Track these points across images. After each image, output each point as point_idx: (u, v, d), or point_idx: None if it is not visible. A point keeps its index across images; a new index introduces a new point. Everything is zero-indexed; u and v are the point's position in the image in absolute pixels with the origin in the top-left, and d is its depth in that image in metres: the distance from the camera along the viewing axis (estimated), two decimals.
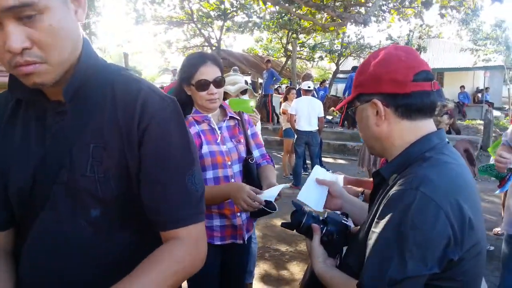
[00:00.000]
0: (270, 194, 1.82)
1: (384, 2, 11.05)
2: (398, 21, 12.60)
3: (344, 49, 17.97)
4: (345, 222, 1.28)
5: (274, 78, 12.82)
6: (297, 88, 9.11)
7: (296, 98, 7.43)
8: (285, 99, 7.93)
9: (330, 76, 21.09)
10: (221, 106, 2.09)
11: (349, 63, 20.26)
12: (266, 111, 12.81)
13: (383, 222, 0.96)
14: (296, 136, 7.10)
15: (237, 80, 3.48)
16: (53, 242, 0.96)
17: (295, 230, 1.34)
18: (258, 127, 3.81)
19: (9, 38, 0.78)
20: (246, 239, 2.05)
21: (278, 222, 5.21)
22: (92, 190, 0.94)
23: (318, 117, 6.91)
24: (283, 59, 19.98)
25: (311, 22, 13.36)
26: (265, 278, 3.74)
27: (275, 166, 2.29)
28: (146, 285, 0.89)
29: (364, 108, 1.13)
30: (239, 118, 2.12)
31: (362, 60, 17.51)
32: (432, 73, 1.10)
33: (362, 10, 11.26)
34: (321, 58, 20.70)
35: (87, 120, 0.96)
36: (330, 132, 11.84)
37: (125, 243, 1.01)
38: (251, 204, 1.72)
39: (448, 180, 0.97)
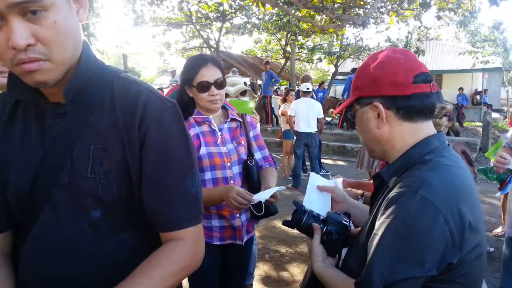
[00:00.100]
0: (262, 196, 1.84)
1: (382, 4, 11.07)
2: (396, 23, 12.63)
3: (342, 51, 17.98)
4: (345, 222, 1.29)
5: (273, 80, 12.83)
6: (296, 89, 9.12)
7: (295, 99, 7.44)
8: (284, 100, 7.95)
9: (329, 77, 21.11)
10: (223, 108, 2.11)
11: (347, 65, 20.28)
12: (265, 112, 12.82)
13: (382, 224, 0.97)
14: (295, 138, 7.10)
15: (236, 82, 3.49)
16: (53, 243, 0.96)
17: (295, 229, 1.36)
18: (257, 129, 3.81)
19: (14, 34, 0.78)
20: (245, 240, 2.06)
21: (278, 223, 5.21)
22: (93, 191, 0.94)
23: (318, 118, 6.92)
24: (282, 61, 20.01)
25: (310, 24, 13.39)
26: (265, 280, 3.73)
27: None
28: (148, 286, 0.90)
29: (364, 111, 1.13)
30: (241, 120, 2.12)
31: (361, 62, 17.56)
32: (430, 75, 1.10)
33: (361, 12, 11.29)
34: (320, 59, 20.75)
35: (86, 122, 0.96)
36: (329, 134, 11.84)
37: (126, 244, 1.02)
38: (241, 201, 1.75)
39: (447, 183, 0.97)
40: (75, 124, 0.95)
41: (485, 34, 25.78)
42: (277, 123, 12.58)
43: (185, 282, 2.13)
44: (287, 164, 8.04)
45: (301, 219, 1.32)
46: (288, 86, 15.57)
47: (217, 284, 2.10)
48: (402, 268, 0.91)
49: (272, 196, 1.88)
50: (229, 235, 2.02)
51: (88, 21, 12.51)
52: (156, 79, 31.12)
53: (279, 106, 8.45)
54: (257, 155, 2.15)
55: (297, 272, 3.90)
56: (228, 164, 1.97)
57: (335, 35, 16.21)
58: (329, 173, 8.30)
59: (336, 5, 11.16)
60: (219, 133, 2.00)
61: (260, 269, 3.92)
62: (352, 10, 11.73)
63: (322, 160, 8.70)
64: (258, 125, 4.03)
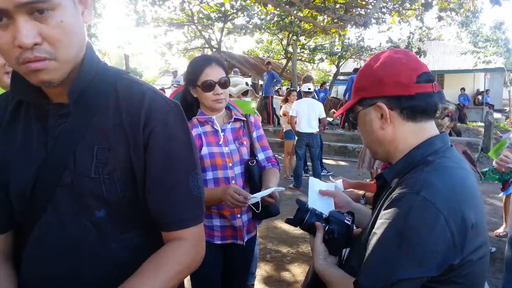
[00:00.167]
0: (259, 194, 1.85)
1: (384, 4, 11.07)
2: (398, 23, 12.62)
3: (344, 51, 17.98)
4: (347, 222, 1.30)
5: (275, 80, 12.83)
6: (298, 90, 9.12)
7: (297, 100, 7.44)
8: (286, 101, 7.95)
9: (331, 78, 21.11)
10: (227, 108, 2.12)
11: (349, 65, 20.27)
12: (267, 113, 12.82)
13: (383, 224, 0.97)
14: (296, 138, 7.10)
15: (238, 82, 3.49)
16: (55, 243, 0.96)
17: (298, 227, 1.37)
18: None
19: (21, 33, 0.78)
20: (246, 239, 2.06)
21: (279, 223, 5.21)
22: (97, 191, 0.95)
23: (320, 118, 6.91)
24: (284, 61, 20.02)
25: (311, 24, 13.38)
26: (266, 280, 3.74)
27: None
28: (154, 285, 0.90)
29: (367, 112, 1.13)
30: (245, 119, 2.13)
31: (362, 62, 17.62)
32: (432, 75, 1.11)
33: (363, 12, 11.28)
34: (321, 60, 20.74)
35: (90, 122, 0.96)
36: (331, 134, 11.84)
37: (129, 244, 1.02)
38: (237, 198, 1.77)
39: (449, 184, 0.97)
40: (78, 125, 0.96)
41: (487, 34, 25.72)
42: (279, 123, 12.58)
43: (187, 282, 2.13)
44: (288, 164, 8.04)
45: (304, 217, 1.34)
46: (289, 87, 15.56)
47: (219, 282, 2.11)
48: (401, 268, 0.92)
49: (270, 197, 1.89)
50: (230, 234, 2.03)
51: (90, 22, 12.52)
52: (158, 79, 31.18)
53: (281, 107, 8.44)
54: (260, 156, 2.15)
55: (298, 272, 3.90)
56: (230, 165, 1.98)
57: (337, 35, 16.21)
58: (331, 173, 8.30)
59: (338, 5, 11.16)
60: (221, 134, 2.01)
61: (262, 269, 3.92)
62: (354, 10, 11.72)
63: (324, 161, 8.69)
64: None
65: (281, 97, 11.82)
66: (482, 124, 11.97)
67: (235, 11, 15.62)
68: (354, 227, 1.35)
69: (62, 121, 0.96)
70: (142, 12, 15.57)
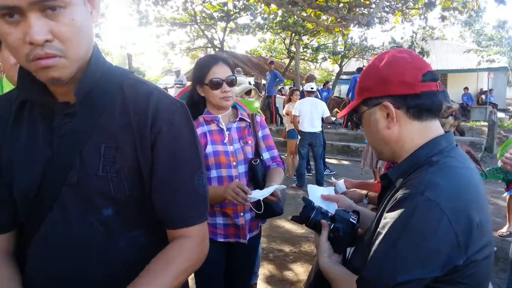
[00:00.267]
0: (260, 193, 1.85)
1: (387, 3, 11.04)
2: (401, 23, 12.58)
3: (347, 51, 17.96)
4: (352, 220, 1.30)
5: (277, 80, 12.83)
6: (301, 89, 9.11)
7: (300, 99, 7.44)
8: (289, 100, 7.95)
9: (333, 77, 21.08)
10: (234, 107, 2.14)
11: (352, 65, 20.26)
12: (269, 112, 12.82)
13: (388, 224, 0.97)
14: (299, 137, 7.11)
15: (241, 81, 3.50)
16: (62, 242, 0.96)
17: (304, 225, 1.38)
18: None
19: (32, 29, 0.78)
20: (248, 238, 2.07)
21: (282, 223, 5.21)
22: (105, 190, 0.95)
23: (324, 117, 6.91)
24: (287, 61, 20.03)
25: (314, 23, 13.36)
26: (269, 279, 3.74)
27: None
28: (163, 282, 0.92)
29: (372, 112, 1.13)
30: (249, 121, 2.14)
31: (365, 61, 17.59)
32: (436, 74, 1.11)
33: (366, 11, 11.26)
34: (324, 59, 20.71)
35: (96, 121, 0.97)
36: (334, 133, 11.83)
37: (137, 242, 1.03)
38: (238, 191, 1.78)
39: (454, 185, 0.97)
40: (85, 125, 0.96)
41: (490, 33, 25.60)
42: (281, 122, 12.58)
43: (190, 280, 2.14)
44: (291, 163, 8.05)
45: (310, 215, 1.34)
46: (292, 86, 15.55)
47: (222, 280, 2.12)
48: (405, 269, 0.91)
49: (272, 195, 1.90)
50: (233, 233, 2.04)
51: (97, 22, 12.57)
52: (161, 79, 31.23)
53: (284, 106, 8.45)
54: (265, 155, 2.16)
55: (301, 271, 3.90)
56: (234, 163, 1.99)
57: (340, 35, 16.18)
58: (334, 172, 8.30)
59: (341, 5, 11.14)
60: (226, 132, 2.03)
61: (264, 268, 3.93)
62: (357, 10, 11.70)
63: (327, 160, 8.69)
64: None
65: (284, 97, 11.84)
66: (486, 123, 11.94)
67: (237, 10, 15.63)
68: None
69: (68, 120, 0.96)
70: (145, 12, 15.60)
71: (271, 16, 14.49)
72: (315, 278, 1.45)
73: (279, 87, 15.98)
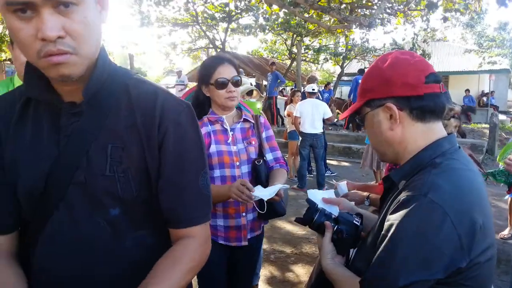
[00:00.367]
0: (263, 192, 1.85)
1: (389, 5, 11.03)
2: (403, 24, 12.57)
3: (348, 52, 17.95)
4: (356, 222, 1.30)
5: (279, 81, 12.82)
6: (302, 90, 9.11)
7: (301, 100, 7.44)
8: (290, 101, 7.95)
9: (335, 78, 21.07)
10: (238, 108, 2.16)
11: (353, 66, 20.26)
12: (271, 113, 12.81)
13: (391, 227, 0.97)
14: (300, 139, 7.11)
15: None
16: (68, 242, 0.96)
17: (307, 226, 1.38)
18: None
19: (45, 25, 0.78)
20: (248, 238, 2.07)
21: (283, 224, 5.21)
22: (112, 189, 0.96)
23: (326, 118, 6.92)
24: (288, 62, 20.01)
25: (316, 24, 13.36)
26: (270, 280, 3.74)
27: None
28: (172, 282, 0.92)
29: (375, 114, 1.13)
30: (253, 122, 2.16)
31: (366, 63, 17.57)
32: (439, 75, 1.11)
33: (367, 13, 11.25)
34: (326, 60, 20.70)
35: (103, 121, 0.97)
36: (335, 135, 11.82)
37: (143, 242, 1.03)
38: (242, 189, 1.78)
39: (457, 187, 0.97)
40: (91, 125, 0.96)
41: (492, 35, 25.55)
42: (283, 123, 12.57)
43: (193, 281, 2.14)
44: (292, 165, 8.04)
45: (313, 216, 1.35)
46: (293, 87, 15.55)
47: (224, 281, 2.12)
48: (408, 271, 0.91)
49: (276, 195, 1.90)
50: (234, 236, 2.04)
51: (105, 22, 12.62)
52: (162, 79, 31.25)
53: (285, 107, 8.45)
54: (269, 156, 2.18)
55: (302, 273, 3.90)
56: (237, 163, 2.01)
57: (342, 36, 16.18)
58: (335, 174, 8.30)
59: (342, 6, 11.13)
60: (230, 133, 2.04)
61: (266, 270, 3.92)
62: (359, 11, 11.69)
63: (328, 161, 8.69)
64: None
65: (285, 98, 11.82)
66: (487, 125, 11.93)
67: (239, 11, 15.63)
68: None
69: (74, 120, 0.96)
70: (147, 12, 15.61)
71: (273, 17, 14.49)
72: (316, 280, 1.45)
73: (281, 88, 15.98)
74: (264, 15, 14.11)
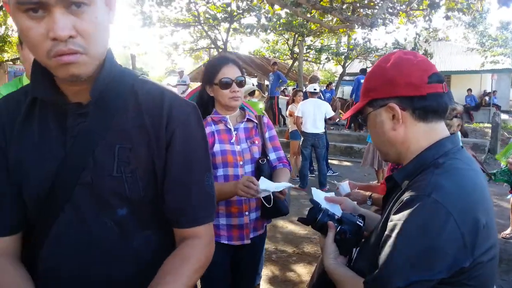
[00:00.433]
0: (272, 185, 1.86)
1: (391, 5, 11.02)
2: (405, 24, 12.56)
3: (350, 52, 17.93)
4: (359, 223, 1.31)
5: (280, 81, 12.82)
6: (304, 90, 9.10)
7: (303, 100, 7.44)
8: (292, 101, 7.95)
9: (337, 78, 21.04)
10: (241, 108, 2.17)
11: (355, 66, 20.23)
12: (272, 113, 12.80)
13: (395, 227, 0.97)
14: (302, 138, 7.10)
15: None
16: (75, 242, 0.96)
17: (310, 226, 1.39)
18: None
19: (57, 25, 0.78)
20: (251, 237, 2.07)
21: (285, 224, 5.21)
22: (119, 190, 0.96)
23: (329, 117, 6.92)
24: (290, 62, 19.99)
25: (318, 24, 13.35)
26: (272, 280, 3.74)
27: None
28: (180, 283, 0.93)
29: (377, 114, 1.13)
30: (257, 122, 2.17)
31: (368, 62, 17.55)
32: (442, 75, 1.11)
33: (370, 12, 11.24)
34: (327, 60, 20.68)
35: (110, 122, 0.97)
36: (337, 135, 11.82)
37: (149, 241, 1.04)
38: (248, 184, 1.79)
39: (460, 186, 0.98)
40: (98, 126, 0.96)
41: (495, 34, 25.46)
42: (284, 123, 12.56)
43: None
44: (294, 164, 8.03)
45: (317, 216, 1.35)
46: (295, 87, 15.52)
47: (227, 281, 2.12)
48: (412, 271, 0.92)
49: (280, 193, 1.91)
50: (237, 235, 2.04)
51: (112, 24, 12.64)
52: (164, 79, 31.24)
53: (287, 107, 8.45)
54: (272, 156, 2.19)
55: (304, 272, 3.90)
56: (241, 163, 2.02)
57: (345, 35, 16.16)
58: (337, 173, 8.29)
59: (345, 6, 11.12)
60: (234, 132, 2.06)
61: (267, 269, 3.92)
62: (361, 10, 11.68)
63: (330, 161, 8.68)
64: None
65: (287, 98, 11.81)
66: (489, 125, 11.90)
67: (241, 11, 15.63)
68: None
69: (81, 121, 0.96)
70: (149, 13, 15.61)
71: (275, 19, 14.49)
72: (318, 280, 1.46)
73: (282, 88, 15.97)
74: (266, 15, 14.11)
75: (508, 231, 4.78)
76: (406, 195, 1.00)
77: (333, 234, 1.30)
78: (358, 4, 11.39)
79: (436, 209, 0.92)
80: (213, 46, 18.56)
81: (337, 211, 1.50)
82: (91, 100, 0.95)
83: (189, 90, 11.89)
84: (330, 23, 12.67)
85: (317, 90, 7.22)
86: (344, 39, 18.34)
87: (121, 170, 0.96)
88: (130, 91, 1.01)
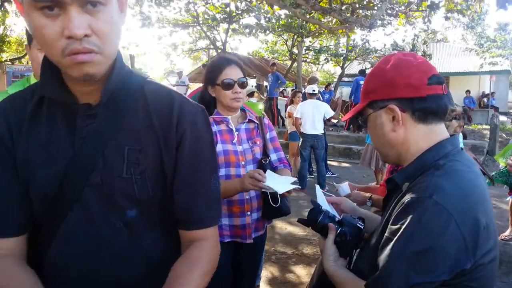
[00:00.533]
0: (277, 182, 1.86)
1: (390, 6, 11.03)
2: (403, 26, 12.58)
3: (349, 53, 17.94)
4: (359, 225, 1.30)
5: (279, 81, 12.82)
6: (303, 91, 9.11)
7: (302, 101, 7.44)
8: (291, 102, 7.95)
9: (335, 79, 21.05)
10: (242, 109, 2.19)
11: (354, 67, 20.24)
12: (271, 114, 12.81)
13: (396, 229, 0.97)
14: (301, 140, 7.10)
15: None
16: (83, 243, 0.96)
17: (310, 227, 1.38)
18: None
19: (73, 23, 0.78)
20: (253, 237, 2.08)
21: (284, 225, 5.21)
22: (129, 191, 0.96)
23: (328, 117, 6.92)
24: (289, 62, 19.99)
25: (317, 25, 13.36)
26: (271, 281, 3.74)
27: None
28: (192, 285, 0.93)
29: (377, 115, 1.13)
30: (258, 123, 2.19)
31: (367, 63, 17.56)
32: (441, 77, 1.11)
33: (369, 14, 11.25)
34: (326, 61, 20.69)
35: (119, 123, 0.97)
36: (336, 136, 11.83)
37: (158, 242, 1.04)
38: (257, 177, 1.80)
39: (460, 188, 0.98)
40: (108, 127, 0.96)
41: (493, 35, 25.51)
42: (283, 124, 12.57)
43: None
44: (293, 166, 8.03)
45: (317, 218, 1.35)
46: (294, 88, 15.54)
47: (228, 282, 2.13)
48: (414, 273, 0.92)
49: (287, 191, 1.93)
50: (239, 234, 2.06)
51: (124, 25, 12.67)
52: (163, 80, 31.24)
53: (286, 108, 8.45)
54: (273, 156, 2.22)
55: (303, 274, 3.90)
56: (243, 163, 2.04)
57: (344, 36, 16.17)
58: (336, 175, 8.30)
59: (344, 7, 11.13)
60: (236, 133, 2.07)
61: (267, 271, 3.92)
62: (360, 12, 11.70)
63: (328, 162, 8.68)
64: None
65: (286, 99, 11.82)
66: (488, 126, 11.92)
67: (240, 12, 15.63)
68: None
69: (90, 122, 0.96)
70: (148, 13, 15.60)
71: (274, 20, 14.50)
72: (318, 281, 1.46)
73: (281, 89, 15.97)
74: (265, 16, 14.12)
75: (507, 232, 4.78)
76: (407, 197, 1.00)
77: (333, 236, 1.29)
78: (357, 5, 11.40)
79: (438, 211, 0.92)
80: (212, 46, 18.56)
81: (337, 213, 1.50)
82: (101, 100, 0.94)
83: (190, 91, 11.91)
84: (329, 24, 12.68)
85: (316, 91, 7.23)
86: (343, 40, 18.34)
87: (130, 172, 0.96)
88: (140, 92, 1.02)
